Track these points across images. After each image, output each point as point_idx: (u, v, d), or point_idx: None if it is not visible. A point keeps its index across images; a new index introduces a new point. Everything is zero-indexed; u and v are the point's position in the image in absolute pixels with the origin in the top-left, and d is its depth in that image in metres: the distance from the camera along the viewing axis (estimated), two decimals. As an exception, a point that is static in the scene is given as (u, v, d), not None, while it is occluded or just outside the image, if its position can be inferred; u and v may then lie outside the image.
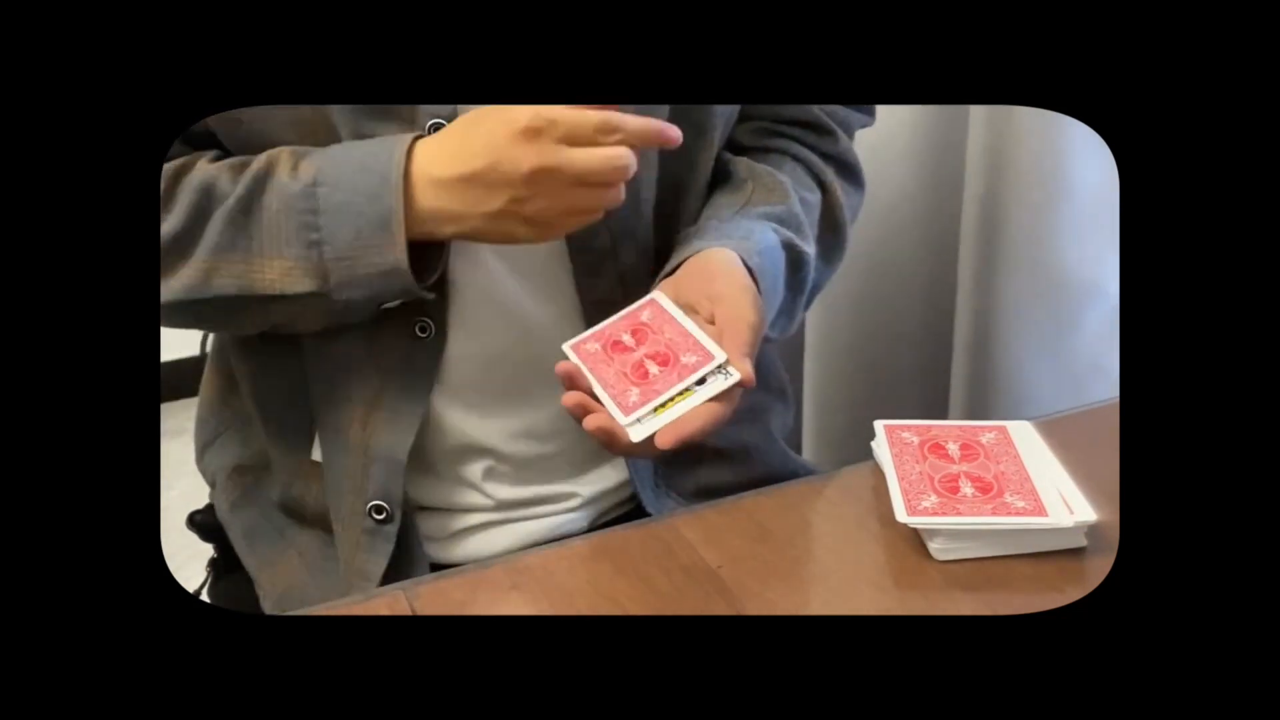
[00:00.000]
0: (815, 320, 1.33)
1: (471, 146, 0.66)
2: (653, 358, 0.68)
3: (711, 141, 0.79)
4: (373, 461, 0.76)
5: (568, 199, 0.66)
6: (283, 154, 0.70)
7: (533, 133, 0.64)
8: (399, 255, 0.67)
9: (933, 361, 1.26)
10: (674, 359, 0.68)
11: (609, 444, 0.65)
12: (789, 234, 0.78)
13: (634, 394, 0.66)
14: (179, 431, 0.94)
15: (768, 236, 0.76)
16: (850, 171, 0.86)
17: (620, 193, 0.67)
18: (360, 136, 0.69)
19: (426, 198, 0.67)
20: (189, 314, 0.72)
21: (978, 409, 1.16)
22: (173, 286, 0.70)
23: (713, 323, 0.69)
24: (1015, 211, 1.08)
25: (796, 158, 0.83)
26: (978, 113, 1.09)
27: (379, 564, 0.77)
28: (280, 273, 0.69)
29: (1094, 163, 1.03)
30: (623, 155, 0.66)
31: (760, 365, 0.90)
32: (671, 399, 0.66)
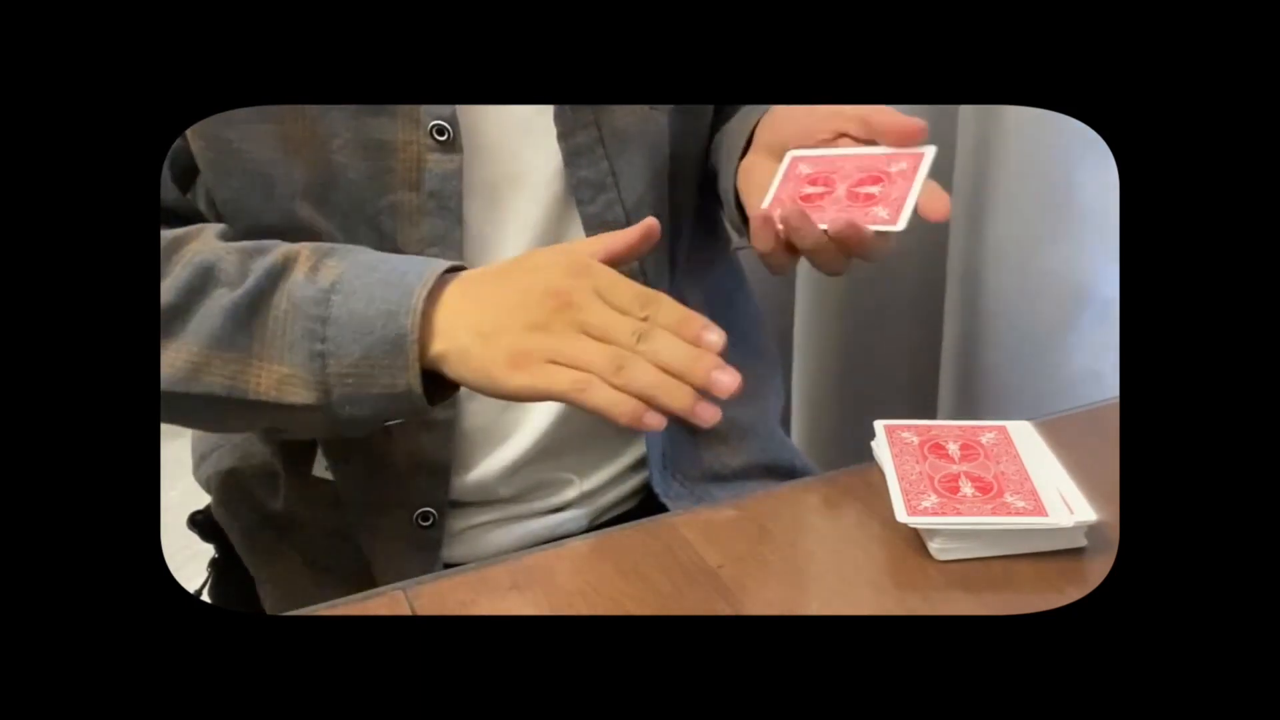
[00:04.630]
0: (803, 320, 1.32)
1: (511, 276, 0.64)
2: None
3: (706, 127, 0.83)
4: (416, 470, 0.76)
5: (561, 344, 0.61)
6: (303, 251, 0.66)
7: (578, 267, 0.62)
8: (411, 380, 0.63)
9: (921, 363, 1.26)
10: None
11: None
12: None
13: None
14: (179, 432, 0.93)
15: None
16: None
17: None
18: (361, 136, 0.69)
19: (444, 312, 0.63)
20: (168, 408, 0.67)
21: (966, 411, 1.16)
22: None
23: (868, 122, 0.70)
24: (1004, 212, 1.08)
25: None
26: (966, 112, 1.09)
27: (422, 569, 0.76)
28: (275, 380, 0.64)
29: (1085, 164, 1.03)
30: (600, 355, 0.60)
31: (754, 341, 0.91)
32: None
